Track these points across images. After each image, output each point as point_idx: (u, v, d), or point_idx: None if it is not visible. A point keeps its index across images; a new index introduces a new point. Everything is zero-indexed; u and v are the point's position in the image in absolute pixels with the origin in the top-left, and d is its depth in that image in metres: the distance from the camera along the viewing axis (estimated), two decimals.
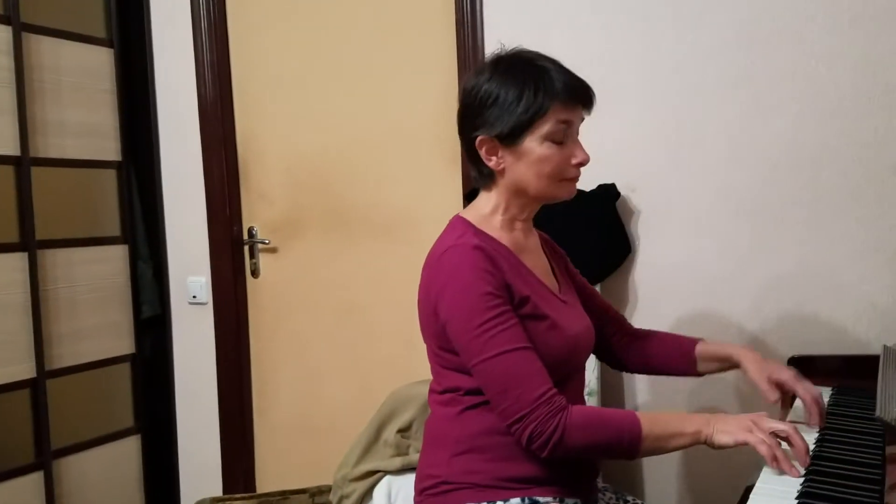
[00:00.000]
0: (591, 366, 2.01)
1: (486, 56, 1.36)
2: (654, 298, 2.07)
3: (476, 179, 1.38)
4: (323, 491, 2.28)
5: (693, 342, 1.52)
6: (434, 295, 1.28)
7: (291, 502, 2.25)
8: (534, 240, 1.45)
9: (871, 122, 1.79)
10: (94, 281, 2.66)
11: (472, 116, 1.32)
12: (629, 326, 1.61)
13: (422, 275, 1.33)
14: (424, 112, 2.40)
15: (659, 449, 1.22)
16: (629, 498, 1.51)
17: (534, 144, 1.28)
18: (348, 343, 2.59)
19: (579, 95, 1.29)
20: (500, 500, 1.27)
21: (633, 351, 1.57)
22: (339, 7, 2.50)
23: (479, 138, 1.30)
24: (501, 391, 1.21)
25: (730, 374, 1.97)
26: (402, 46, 2.41)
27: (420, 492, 1.36)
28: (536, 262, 1.40)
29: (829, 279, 1.86)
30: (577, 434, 1.18)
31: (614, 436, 1.20)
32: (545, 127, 1.27)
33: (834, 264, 1.85)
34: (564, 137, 1.29)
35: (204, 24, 2.61)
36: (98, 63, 2.67)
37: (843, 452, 1.20)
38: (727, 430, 1.19)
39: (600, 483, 1.51)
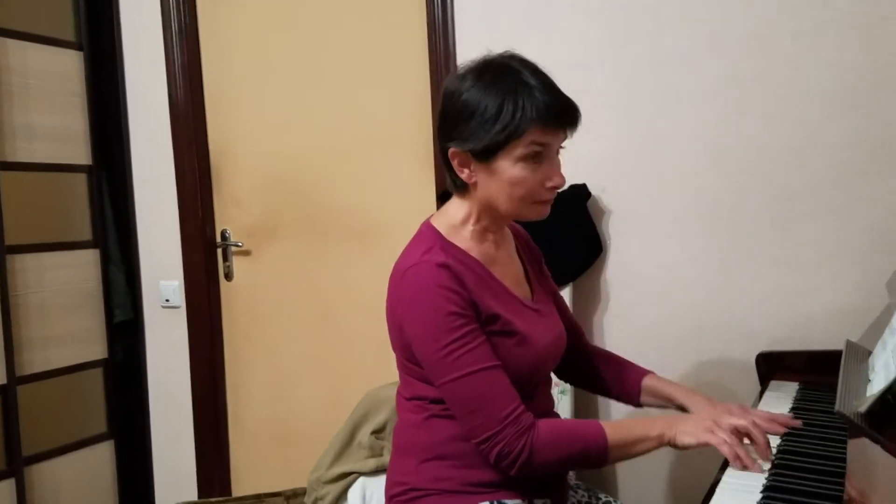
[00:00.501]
0: None
1: (472, 59, 1.29)
2: (625, 298, 2.09)
3: (450, 185, 1.35)
4: (298, 494, 2.27)
5: (642, 374, 1.50)
6: (400, 313, 1.27)
7: None
8: (506, 248, 1.42)
9: (838, 126, 1.82)
10: (65, 286, 2.63)
11: (448, 125, 1.28)
12: (587, 342, 1.60)
13: (389, 287, 1.31)
14: (398, 115, 2.40)
15: (625, 455, 1.24)
16: (601, 495, 1.52)
17: (507, 165, 1.23)
18: (322, 347, 2.59)
19: (561, 118, 1.24)
20: None
21: (583, 367, 1.56)
22: (311, 11, 2.50)
23: (451, 150, 1.26)
24: (469, 412, 1.21)
25: (710, 372, 2.01)
26: (375, 50, 2.42)
27: (390, 498, 1.37)
28: (508, 271, 1.38)
29: (799, 279, 1.89)
30: (544, 452, 1.19)
31: (582, 449, 1.21)
32: (519, 149, 1.22)
33: (803, 264, 1.88)
34: (540, 159, 1.24)
35: (175, 26, 2.60)
36: (67, 66, 2.64)
37: (807, 446, 1.23)
38: (689, 430, 1.21)
39: (572, 481, 1.53)
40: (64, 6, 2.64)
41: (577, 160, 1.80)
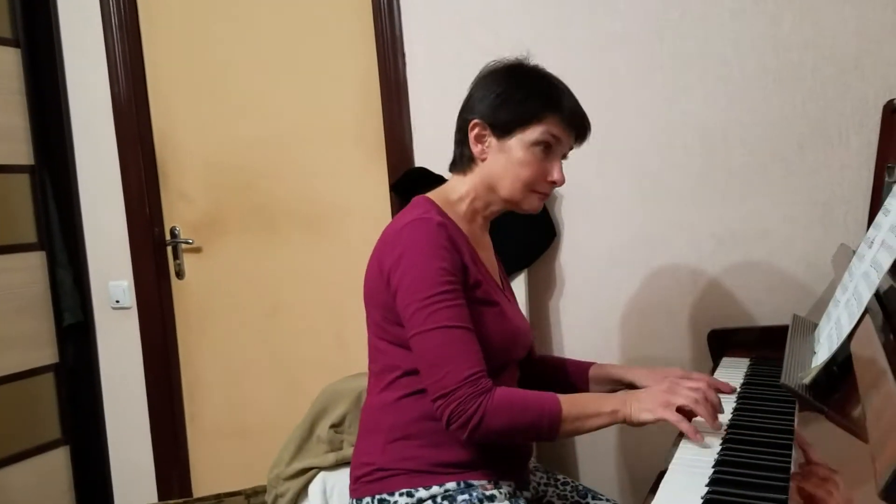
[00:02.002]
0: None
1: (506, 58, 1.40)
2: (579, 282, 2.11)
3: (454, 162, 1.41)
4: (258, 492, 2.26)
5: (586, 368, 1.54)
6: (389, 264, 1.27)
7: None
8: (488, 239, 1.47)
9: (776, 101, 1.85)
10: (11, 289, 2.56)
11: (473, 101, 1.36)
12: (536, 352, 1.62)
13: (376, 245, 1.34)
14: (345, 104, 2.38)
15: (578, 429, 1.24)
16: (560, 476, 1.53)
17: (519, 145, 1.31)
18: (277, 342, 2.57)
19: (577, 124, 1.35)
20: (435, 484, 1.28)
21: (535, 376, 1.57)
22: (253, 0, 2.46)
23: (473, 121, 1.33)
24: (433, 364, 1.22)
25: (662, 351, 2.03)
26: (320, 37, 2.39)
27: (355, 479, 1.36)
28: (488, 258, 1.43)
29: (743, 255, 1.92)
30: (497, 417, 1.19)
31: (534, 418, 1.22)
32: (536, 133, 1.30)
33: (747, 240, 1.92)
34: (549, 152, 1.32)
35: (114, 20, 2.54)
36: (5, 64, 2.56)
37: (757, 420, 1.25)
38: (646, 407, 1.21)
39: (532, 463, 1.54)
40: None
41: None
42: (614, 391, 1.48)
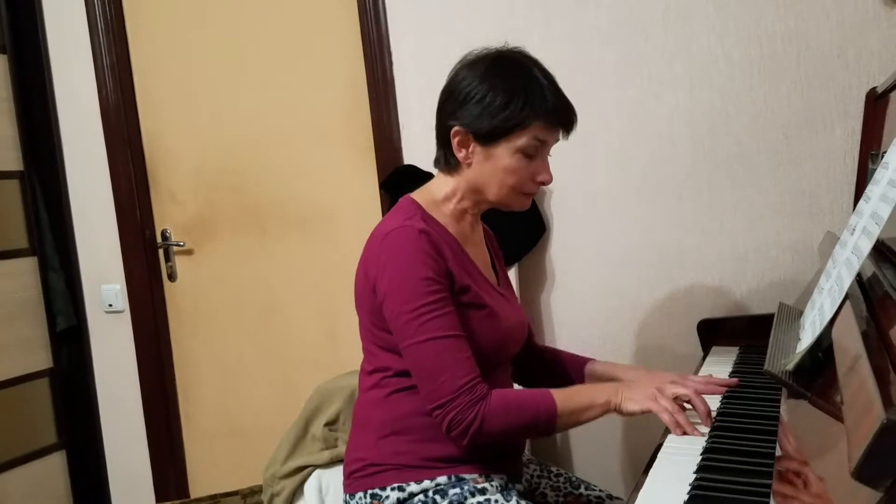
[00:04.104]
0: None
1: (483, 49, 1.35)
2: (568, 276, 2.12)
3: (438, 161, 1.39)
4: (255, 492, 2.26)
5: (584, 363, 1.55)
6: (374, 273, 1.28)
7: None
8: (479, 233, 1.46)
9: (760, 91, 1.86)
10: (3, 295, 2.56)
11: (454, 104, 1.32)
12: (536, 342, 1.63)
13: (363, 251, 1.34)
14: (333, 104, 2.38)
15: (573, 423, 1.27)
16: (553, 468, 1.54)
17: (505, 153, 1.29)
18: (271, 342, 2.57)
19: (562, 119, 1.32)
20: (427, 478, 1.29)
21: (533, 366, 1.59)
22: (239, 1, 2.46)
23: (455, 128, 1.30)
24: (427, 376, 1.23)
25: (653, 341, 2.04)
26: (306, 38, 2.39)
27: (348, 475, 1.38)
28: (479, 254, 1.42)
29: (732, 245, 1.93)
30: (495, 421, 1.21)
31: (531, 418, 1.23)
32: (521, 140, 1.28)
33: (734, 231, 1.93)
34: (536, 154, 1.31)
35: (101, 24, 2.54)
36: None
37: (744, 408, 1.26)
38: (634, 398, 1.24)
39: (526, 456, 1.55)
40: None
41: None
42: None
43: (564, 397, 1.25)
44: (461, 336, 1.24)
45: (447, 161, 1.36)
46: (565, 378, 1.55)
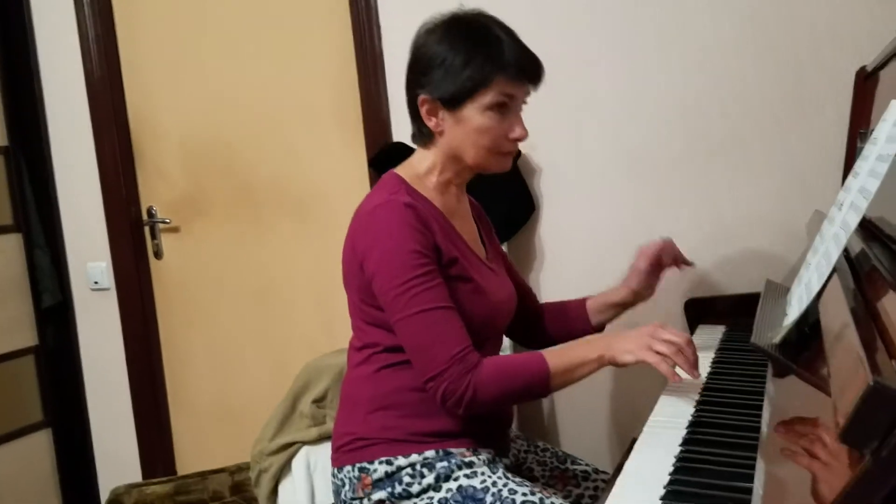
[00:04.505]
0: None
1: (439, 14, 1.33)
2: (559, 255, 2.12)
3: (415, 136, 1.38)
4: (242, 469, 2.26)
5: (582, 304, 1.57)
6: (361, 249, 1.28)
7: (210, 482, 2.23)
8: (465, 205, 1.46)
9: (753, 73, 1.86)
10: None
11: (417, 74, 1.31)
12: (538, 303, 1.64)
13: (349, 228, 1.33)
14: (323, 83, 2.36)
15: (568, 381, 1.26)
16: (539, 443, 1.55)
17: (474, 113, 1.28)
18: (259, 321, 2.57)
19: (527, 72, 1.30)
20: (415, 452, 1.29)
21: (540, 326, 1.60)
22: None
23: (420, 97, 1.30)
24: (419, 348, 1.23)
25: (640, 321, 2.05)
26: (295, 11, 2.36)
27: (336, 449, 1.38)
28: (466, 227, 1.42)
29: (721, 225, 1.94)
30: (489, 388, 1.21)
31: (525, 381, 1.23)
32: (487, 97, 1.27)
33: (725, 211, 1.93)
34: (506, 111, 1.29)
35: None
36: None
37: (730, 383, 1.27)
38: (628, 348, 1.22)
39: (513, 432, 1.55)
40: None
41: None
42: (617, 315, 1.56)
43: (556, 357, 1.25)
44: (451, 307, 1.24)
45: (422, 133, 1.36)
46: (570, 326, 1.57)
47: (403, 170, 1.38)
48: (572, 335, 1.56)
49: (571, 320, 1.57)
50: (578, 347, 1.28)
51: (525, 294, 1.59)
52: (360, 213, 1.32)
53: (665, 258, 1.56)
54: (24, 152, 2.66)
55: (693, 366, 1.20)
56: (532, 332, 1.61)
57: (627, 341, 1.23)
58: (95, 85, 2.54)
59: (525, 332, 1.61)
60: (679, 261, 1.58)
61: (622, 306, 1.55)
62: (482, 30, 1.29)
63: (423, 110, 1.31)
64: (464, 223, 1.42)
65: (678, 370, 1.20)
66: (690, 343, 1.23)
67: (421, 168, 1.37)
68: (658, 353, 1.20)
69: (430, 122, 1.31)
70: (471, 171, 1.38)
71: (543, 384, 1.23)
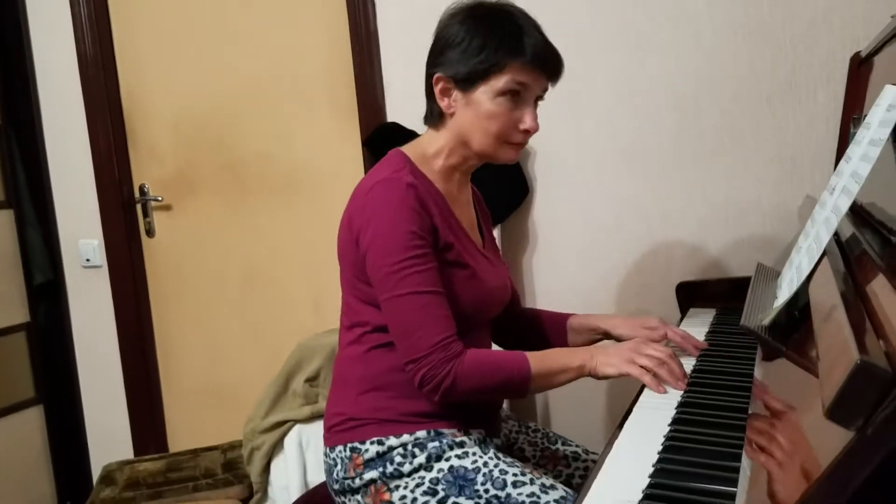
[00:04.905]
0: None
1: None
2: (551, 238, 2.13)
3: (426, 117, 1.37)
4: (234, 447, 2.27)
5: (565, 318, 1.55)
6: (359, 224, 1.27)
7: (202, 460, 2.24)
8: (466, 194, 1.45)
9: (745, 57, 1.87)
10: None
11: (435, 53, 1.31)
12: (521, 307, 1.63)
13: (349, 202, 1.32)
14: (315, 61, 2.35)
15: (547, 385, 1.28)
16: (531, 424, 1.56)
17: (485, 97, 1.27)
18: (251, 300, 2.57)
19: (544, 62, 1.28)
20: (406, 433, 1.29)
21: (518, 329, 1.59)
22: None
23: (436, 75, 1.29)
24: (404, 330, 1.23)
25: (632, 304, 2.06)
26: None
27: (328, 429, 1.38)
28: (465, 215, 1.41)
29: (713, 210, 1.95)
30: (467, 380, 1.22)
31: (504, 378, 1.24)
32: (500, 82, 1.25)
33: (716, 196, 1.94)
34: (519, 100, 1.28)
35: None
36: None
37: (720, 365, 1.28)
38: (610, 362, 1.25)
39: (504, 412, 1.56)
40: None
41: None
42: (593, 341, 1.51)
43: (539, 360, 1.26)
44: (441, 293, 1.24)
45: (433, 114, 1.35)
46: (546, 337, 1.55)
47: (411, 149, 1.37)
48: (545, 344, 1.55)
49: (553, 334, 1.55)
50: (562, 354, 1.29)
51: (513, 296, 1.57)
52: (361, 188, 1.31)
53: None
54: (17, 129, 2.64)
55: (679, 378, 1.22)
56: (508, 333, 1.59)
57: (610, 355, 1.25)
58: (88, 64, 2.53)
59: (500, 331, 1.58)
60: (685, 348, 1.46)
61: (600, 333, 1.51)
62: (505, 16, 1.28)
63: (437, 89, 1.30)
64: (463, 211, 1.41)
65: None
66: (674, 357, 1.24)
67: (429, 149, 1.36)
68: (641, 366, 1.22)
69: (443, 103, 1.31)
70: (477, 159, 1.36)
71: (523, 384, 1.24)
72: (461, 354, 1.22)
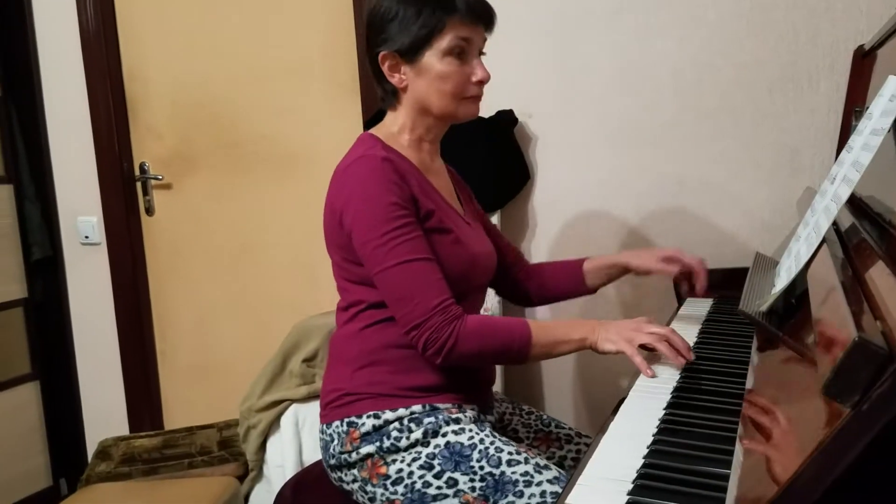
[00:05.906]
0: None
1: None
2: (552, 222, 2.13)
3: (382, 100, 1.40)
4: (231, 425, 2.28)
5: (580, 261, 1.59)
6: (340, 205, 1.29)
7: (198, 437, 2.25)
8: (439, 163, 1.47)
9: (748, 44, 1.86)
10: None
11: (374, 33, 1.33)
12: (526, 262, 1.66)
13: (329, 188, 1.34)
14: (317, 39, 2.35)
15: (547, 354, 1.29)
16: (525, 407, 1.57)
17: (433, 60, 1.30)
18: (249, 279, 2.57)
19: (479, 14, 1.32)
20: (402, 407, 1.31)
21: (532, 283, 1.62)
22: None
23: (381, 54, 1.32)
24: (401, 299, 1.24)
25: (630, 292, 2.06)
26: None
27: (325, 406, 1.39)
28: (442, 183, 1.43)
29: (711, 197, 1.95)
30: (469, 341, 1.23)
31: (505, 342, 1.25)
32: (444, 42, 1.29)
33: (715, 183, 1.94)
34: (465, 55, 1.31)
35: None
36: None
37: (716, 351, 1.29)
38: (610, 338, 1.26)
39: (499, 395, 1.58)
40: None
41: (501, 86, 1.82)
42: (613, 277, 1.57)
43: (540, 328, 1.27)
44: (431, 259, 1.26)
45: (387, 94, 1.38)
46: (563, 289, 1.59)
47: (377, 131, 1.40)
48: (565, 291, 1.60)
49: (568, 280, 1.59)
50: (564, 325, 1.30)
51: (507, 252, 1.61)
52: (337, 171, 1.33)
53: (692, 276, 1.55)
54: (17, 104, 2.63)
55: (683, 350, 1.22)
56: (521, 290, 1.62)
57: (611, 331, 1.26)
58: (90, 39, 2.52)
59: (513, 291, 1.63)
60: (696, 284, 1.55)
61: (616, 270, 1.56)
62: None
63: (384, 68, 1.33)
64: (439, 179, 1.44)
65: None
66: (675, 332, 1.25)
67: (393, 128, 1.39)
68: (638, 345, 1.23)
69: (394, 79, 1.33)
70: (441, 123, 1.39)
71: (524, 350, 1.26)
72: (461, 317, 1.24)
